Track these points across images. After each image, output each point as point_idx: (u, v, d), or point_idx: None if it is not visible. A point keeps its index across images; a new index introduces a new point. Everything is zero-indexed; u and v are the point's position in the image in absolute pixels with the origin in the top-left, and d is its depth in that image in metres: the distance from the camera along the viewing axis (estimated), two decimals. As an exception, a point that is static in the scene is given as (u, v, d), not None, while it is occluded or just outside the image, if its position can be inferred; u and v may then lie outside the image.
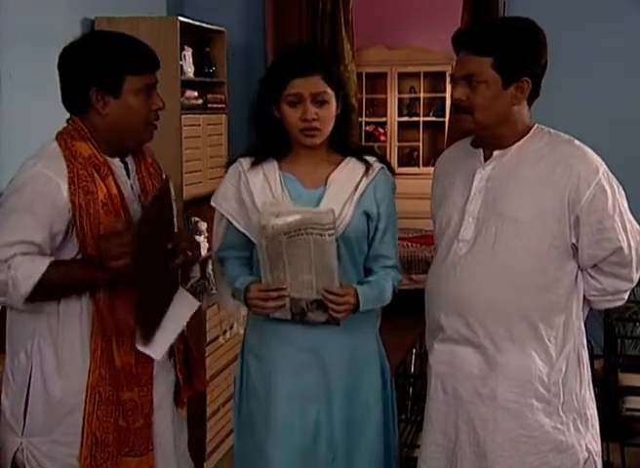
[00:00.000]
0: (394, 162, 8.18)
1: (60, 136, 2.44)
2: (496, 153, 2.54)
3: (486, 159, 2.56)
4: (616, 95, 4.92)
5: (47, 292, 2.32)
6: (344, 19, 5.33)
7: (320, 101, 2.51)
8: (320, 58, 2.59)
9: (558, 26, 4.86)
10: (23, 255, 2.27)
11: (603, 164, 2.50)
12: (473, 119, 2.47)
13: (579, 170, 2.46)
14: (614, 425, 3.88)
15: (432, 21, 7.81)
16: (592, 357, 4.37)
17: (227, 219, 2.64)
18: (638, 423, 4.02)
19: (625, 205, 2.53)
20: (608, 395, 4.02)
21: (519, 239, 2.48)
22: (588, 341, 4.08)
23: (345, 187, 2.56)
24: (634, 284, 2.57)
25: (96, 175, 2.37)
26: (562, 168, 2.46)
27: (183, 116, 4.17)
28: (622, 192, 2.53)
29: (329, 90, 2.53)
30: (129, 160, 2.51)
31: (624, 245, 2.48)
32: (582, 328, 2.60)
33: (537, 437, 2.51)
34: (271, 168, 2.59)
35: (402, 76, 8.61)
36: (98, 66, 2.36)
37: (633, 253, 2.51)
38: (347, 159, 2.62)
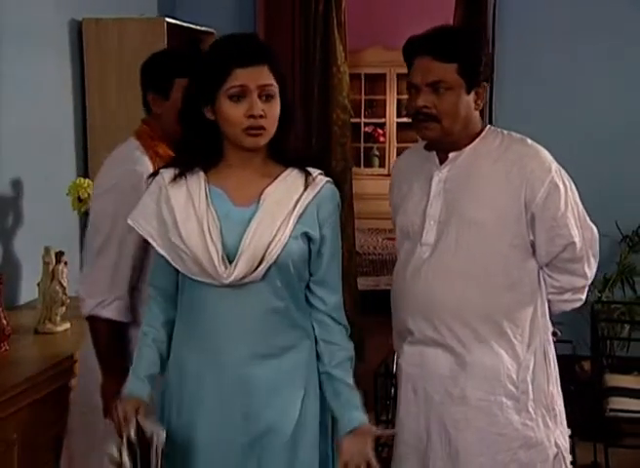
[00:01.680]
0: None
1: (140, 136, 2.73)
2: (451, 155, 2.64)
3: (441, 162, 2.66)
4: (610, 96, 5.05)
5: None
6: (337, 20, 5.39)
7: (267, 96, 2.19)
8: (265, 47, 2.27)
9: (548, 27, 5.07)
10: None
11: (554, 161, 2.61)
12: (441, 126, 2.55)
13: (532, 168, 2.57)
14: (598, 426, 3.99)
15: (431, 22, 7.86)
16: (581, 358, 4.52)
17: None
18: (622, 424, 4.09)
19: (578, 201, 2.64)
20: (594, 396, 4.12)
21: (480, 240, 2.58)
22: (576, 342, 4.22)
23: (282, 204, 2.22)
24: (589, 280, 2.68)
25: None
26: (517, 167, 2.57)
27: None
28: (574, 189, 2.64)
29: (274, 83, 2.21)
30: None
31: (577, 240, 2.60)
32: (548, 325, 2.70)
33: (507, 434, 2.61)
34: (197, 181, 2.24)
35: (401, 77, 8.69)
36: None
37: (585, 248, 2.62)
38: (287, 171, 2.28)
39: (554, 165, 2.61)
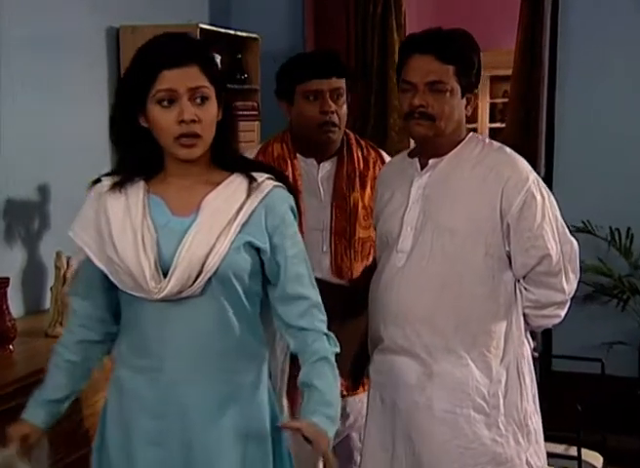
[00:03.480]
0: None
1: (269, 138, 3.12)
2: (431, 161, 2.68)
3: (422, 167, 2.70)
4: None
5: None
6: (397, 23, 5.42)
7: (200, 98, 2.09)
8: (196, 46, 2.16)
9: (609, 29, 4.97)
10: None
11: (533, 172, 2.62)
12: (435, 126, 2.60)
13: (508, 176, 2.58)
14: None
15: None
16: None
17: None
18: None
19: (557, 214, 2.64)
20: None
21: (454, 248, 2.61)
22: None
23: (222, 212, 2.12)
24: (567, 295, 2.67)
25: None
26: (493, 175, 2.60)
27: (205, 123, 4.39)
28: (554, 200, 2.65)
29: (208, 84, 2.10)
30: (331, 161, 3.18)
31: (553, 253, 2.59)
32: (523, 339, 2.70)
33: (474, 449, 2.62)
34: (136, 190, 2.16)
35: (494, 80, 8.63)
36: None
37: (562, 262, 2.61)
38: (232, 177, 2.18)
39: (532, 175, 2.62)
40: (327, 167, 3.21)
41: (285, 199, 2.21)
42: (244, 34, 4.84)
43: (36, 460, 2.21)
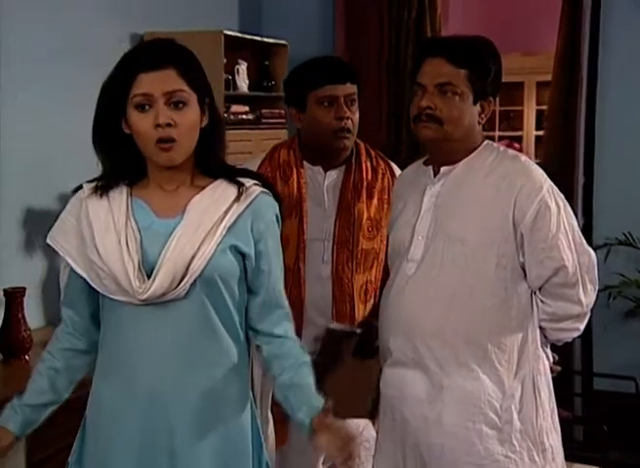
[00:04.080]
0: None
1: (276, 144, 3.16)
2: (444, 169, 2.63)
3: (435, 175, 2.65)
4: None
5: None
6: (432, 27, 5.37)
7: (176, 103, 2.08)
8: (174, 50, 2.14)
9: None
10: None
11: (548, 180, 2.55)
12: (443, 130, 2.56)
13: (521, 185, 2.52)
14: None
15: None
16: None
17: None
18: None
19: (574, 223, 2.57)
20: None
21: (465, 258, 2.55)
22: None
23: (209, 215, 2.12)
24: (585, 308, 2.59)
25: (278, 176, 3.02)
26: (506, 184, 2.54)
27: (229, 131, 4.37)
28: (570, 210, 2.57)
29: (187, 89, 2.09)
30: (339, 170, 3.13)
31: (569, 264, 2.52)
32: (540, 353, 2.63)
33: (486, 465, 2.55)
34: (119, 194, 2.17)
35: (541, 85, 8.51)
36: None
37: (579, 273, 2.54)
38: (217, 182, 2.18)
39: (547, 184, 2.56)
40: (333, 175, 3.15)
41: (271, 206, 2.23)
42: (271, 40, 4.82)
43: (12, 465, 2.20)
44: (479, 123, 2.62)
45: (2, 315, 3.51)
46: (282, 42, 4.89)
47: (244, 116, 4.59)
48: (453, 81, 2.54)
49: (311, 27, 5.36)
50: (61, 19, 3.90)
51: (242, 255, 2.17)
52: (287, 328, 2.25)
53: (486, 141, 2.66)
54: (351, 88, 3.08)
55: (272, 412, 3.01)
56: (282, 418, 2.89)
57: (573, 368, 4.91)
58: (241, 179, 2.20)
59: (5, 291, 3.49)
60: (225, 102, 4.45)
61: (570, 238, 2.54)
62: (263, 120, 4.71)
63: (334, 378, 2.69)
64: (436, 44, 2.67)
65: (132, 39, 4.41)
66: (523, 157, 2.63)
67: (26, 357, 3.44)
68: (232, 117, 4.49)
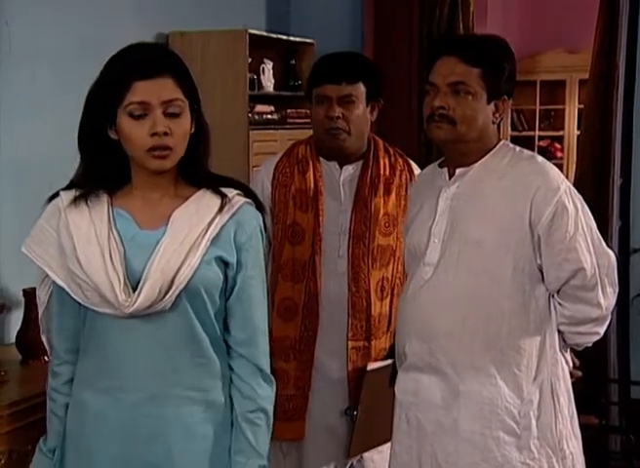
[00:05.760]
0: (572, 181, 8.05)
1: (298, 140, 3.32)
2: (459, 171, 2.66)
3: (450, 177, 2.68)
4: None
5: None
6: (464, 25, 5.40)
7: (172, 113, 2.10)
8: (169, 58, 2.16)
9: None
10: None
11: (565, 181, 2.57)
12: (456, 130, 2.59)
13: (537, 186, 2.54)
14: None
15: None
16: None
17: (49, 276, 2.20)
18: None
19: (593, 224, 2.58)
20: None
21: (481, 260, 2.58)
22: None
23: (193, 226, 2.14)
24: (604, 311, 2.60)
25: (296, 170, 3.19)
26: (522, 185, 2.56)
27: (254, 131, 4.45)
28: (588, 211, 2.58)
29: (182, 97, 2.11)
30: (355, 165, 3.22)
31: (587, 266, 2.53)
32: (558, 357, 2.64)
33: None
34: (99, 204, 2.16)
35: (584, 84, 8.46)
36: None
37: (598, 275, 2.56)
38: (200, 192, 2.19)
39: (564, 185, 2.58)
40: (350, 170, 3.23)
41: (254, 216, 2.24)
42: (298, 39, 4.87)
43: None
44: (493, 123, 2.64)
45: (21, 316, 3.57)
46: (309, 41, 4.94)
47: (269, 116, 4.65)
48: (466, 80, 2.56)
49: (339, 25, 5.40)
50: (83, 19, 3.97)
51: (225, 264, 2.19)
52: (255, 350, 2.24)
53: (502, 141, 2.68)
54: (348, 89, 3.13)
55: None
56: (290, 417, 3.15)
57: (609, 375, 4.92)
58: (224, 189, 2.20)
59: (24, 291, 3.53)
60: (250, 102, 4.52)
61: (588, 239, 2.56)
62: (289, 120, 4.76)
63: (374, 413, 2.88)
64: (449, 43, 2.70)
65: (157, 39, 4.47)
66: (539, 158, 2.65)
67: (45, 358, 3.49)
68: (257, 117, 4.54)
